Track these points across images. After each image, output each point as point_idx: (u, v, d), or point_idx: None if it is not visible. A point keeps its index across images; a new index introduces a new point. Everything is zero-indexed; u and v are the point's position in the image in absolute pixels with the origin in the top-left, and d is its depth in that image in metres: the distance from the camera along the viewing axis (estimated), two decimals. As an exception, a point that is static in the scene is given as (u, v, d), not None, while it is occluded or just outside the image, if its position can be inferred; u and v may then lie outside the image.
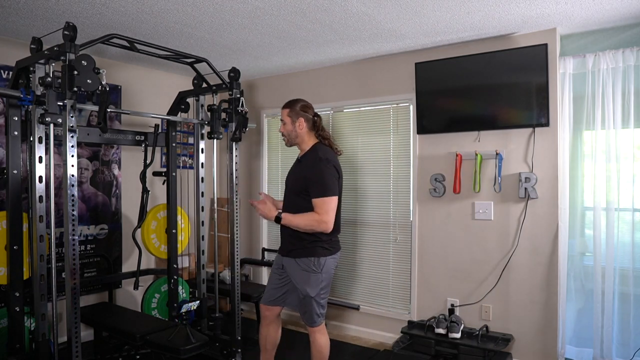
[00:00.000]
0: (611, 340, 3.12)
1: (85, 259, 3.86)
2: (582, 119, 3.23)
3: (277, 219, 2.58)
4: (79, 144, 2.88)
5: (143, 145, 3.47)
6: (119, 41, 2.76)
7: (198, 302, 2.99)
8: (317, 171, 2.56)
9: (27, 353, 2.77)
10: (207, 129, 3.52)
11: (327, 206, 2.53)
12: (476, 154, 3.43)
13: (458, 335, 3.31)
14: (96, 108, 2.66)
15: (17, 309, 2.71)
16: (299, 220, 2.56)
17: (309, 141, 2.74)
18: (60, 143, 2.52)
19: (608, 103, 3.09)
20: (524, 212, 3.32)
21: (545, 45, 3.14)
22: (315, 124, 2.73)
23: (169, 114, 3.54)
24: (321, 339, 2.71)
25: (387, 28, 3.21)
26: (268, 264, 4.59)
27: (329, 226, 2.53)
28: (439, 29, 3.22)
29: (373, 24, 3.12)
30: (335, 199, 2.57)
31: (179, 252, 3.76)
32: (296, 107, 2.73)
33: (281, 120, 2.78)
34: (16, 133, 2.70)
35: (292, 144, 2.79)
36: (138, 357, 3.34)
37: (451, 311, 3.53)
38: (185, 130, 4.62)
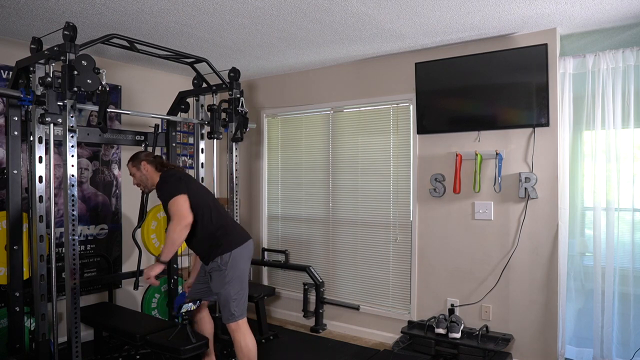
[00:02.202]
0: (611, 340, 3.12)
1: (85, 259, 3.86)
2: (582, 119, 3.23)
3: (158, 259, 2.73)
4: (79, 144, 2.88)
5: (143, 145, 3.47)
6: (119, 41, 2.77)
7: (198, 302, 2.99)
8: (159, 186, 2.79)
9: (27, 353, 2.77)
10: (207, 129, 3.52)
11: (176, 204, 2.66)
12: (476, 154, 3.43)
13: (458, 335, 3.31)
14: (96, 108, 2.66)
15: (17, 309, 2.71)
16: (169, 240, 2.68)
17: (156, 178, 2.90)
18: (60, 143, 2.52)
19: (608, 103, 3.09)
20: (524, 212, 3.32)
21: (545, 45, 3.14)
22: (158, 163, 2.95)
23: (169, 114, 3.54)
24: (241, 339, 2.76)
25: (387, 28, 3.21)
26: (268, 264, 4.59)
27: (184, 216, 2.64)
28: (439, 29, 3.22)
29: (373, 24, 3.12)
30: (181, 196, 2.67)
31: (179, 252, 3.76)
32: (140, 156, 2.96)
33: (130, 174, 2.98)
34: (16, 133, 2.70)
35: (149, 187, 2.95)
36: (138, 357, 3.34)
37: (451, 311, 3.53)
38: (185, 130, 4.62)
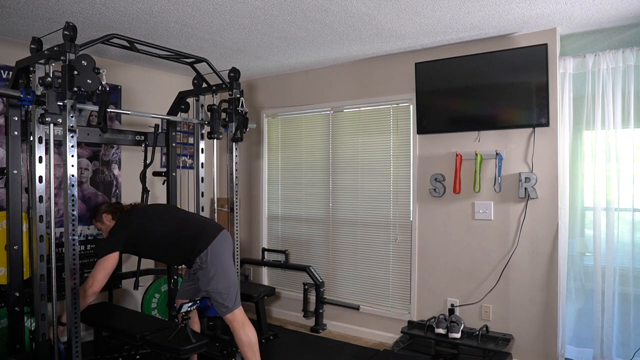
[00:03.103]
0: (611, 340, 3.12)
1: (85, 259, 3.86)
2: (582, 119, 3.23)
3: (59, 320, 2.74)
4: (79, 144, 2.87)
5: (143, 145, 3.47)
6: (119, 41, 2.76)
7: (198, 302, 2.99)
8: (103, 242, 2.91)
9: (27, 353, 2.76)
10: (207, 129, 3.52)
11: (101, 265, 2.76)
12: (476, 154, 3.43)
13: (458, 335, 3.31)
14: (96, 108, 2.65)
15: (17, 309, 2.71)
16: (80, 297, 2.66)
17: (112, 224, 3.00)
18: (60, 143, 2.51)
19: (608, 103, 3.09)
20: (524, 212, 3.32)
21: (545, 45, 3.14)
22: (114, 210, 3.04)
23: (169, 114, 3.54)
24: (240, 330, 2.80)
25: (387, 28, 3.21)
26: (268, 264, 4.59)
27: (94, 284, 2.74)
28: (439, 29, 3.22)
29: (373, 24, 3.12)
30: (110, 256, 2.77)
31: (179, 252, 3.75)
32: (100, 208, 3.07)
33: (97, 230, 3.13)
34: (16, 133, 2.69)
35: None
36: (138, 357, 3.34)
37: (451, 311, 3.53)
38: (185, 130, 4.62)
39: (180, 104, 3.53)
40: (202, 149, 3.56)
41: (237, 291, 2.87)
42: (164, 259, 3.17)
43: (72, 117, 2.40)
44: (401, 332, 3.62)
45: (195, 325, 3.12)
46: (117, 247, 2.79)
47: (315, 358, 3.63)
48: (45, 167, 2.65)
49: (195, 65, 3.22)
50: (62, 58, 2.35)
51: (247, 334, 2.81)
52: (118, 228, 2.88)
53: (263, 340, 3.84)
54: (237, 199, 3.43)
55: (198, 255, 2.80)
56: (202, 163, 3.56)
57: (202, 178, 3.57)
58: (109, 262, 2.76)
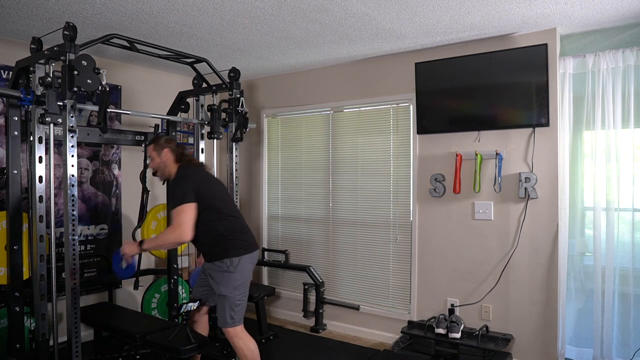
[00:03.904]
0: (611, 340, 3.12)
1: (85, 259, 3.86)
2: (582, 119, 3.23)
3: (141, 243, 2.73)
4: (79, 144, 2.87)
5: (143, 145, 3.47)
6: (119, 41, 2.77)
7: (198, 302, 2.99)
8: (174, 186, 2.75)
9: (27, 353, 2.77)
10: (207, 129, 3.52)
11: (181, 215, 2.60)
12: (476, 154, 3.43)
13: (458, 335, 3.31)
14: (96, 108, 2.66)
15: (17, 309, 2.71)
16: (160, 240, 2.71)
17: (174, 169, 2.84)
18: (60, 143, 2.51)
19: (608, 103, 3.09)
20: (524, 212, 3.32)
21: (545, 45, 3.14)
22: (178, 153, 2.87)
23: (169, 114, 3.54)
24: (240, 343, 2.72)
25: (387, 28, 3.21)
26: (268, 264, 4.59)
27: (184, 229, 2.58)
28: (439, 29, 3.22)
29: (373, 24, 3.12)
30: (189, 205, 2.61)
31: (179, 252, 3.75)
32: (160, 141, 2.87)
33: (149, 157, 2.90)
34: (16, 133, 2.70)
35: (165, 175, 2.86)
36: (138, 357, 3.34)
37: (451, 311, 3.53)
38: (185, 130, 4.62)
39: (180, 104, 3.53)
40: (202, 149, 3.56)
41: (245, 309, 2.79)
42: (197, 238, 2.73)
43: (72, 117, 2.41)
44: (401, 332, 3.62)
45: (204, 328, 3.03)
46: (191, 199, 2.62)
47: (315, 358, 3.63)
48: (45, 167, 2.65)
49: (195, 65, 3.23)
50: (62, 58, 2.35)
51: (249, 347, 2.73)
52: (187, 182, 2.69)
53: (263, 341, 3.83)
54: (237, 198, 3.44)
55: (230, 257, 2.69)
56: (202, 163, 3.56)
57: (202, 178, 3.57)
58: (190, 210, 2.60)
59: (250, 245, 2.79)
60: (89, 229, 3.91)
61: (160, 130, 3.50)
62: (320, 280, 4.20)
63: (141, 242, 2.73)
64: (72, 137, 2.42)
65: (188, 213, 2.60)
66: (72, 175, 2.43)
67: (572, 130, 3.28)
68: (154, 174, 2.93)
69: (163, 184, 3.61)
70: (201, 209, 2.66)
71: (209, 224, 2.69)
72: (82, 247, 3.86)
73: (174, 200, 2.67)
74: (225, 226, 2.73)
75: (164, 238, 2.68)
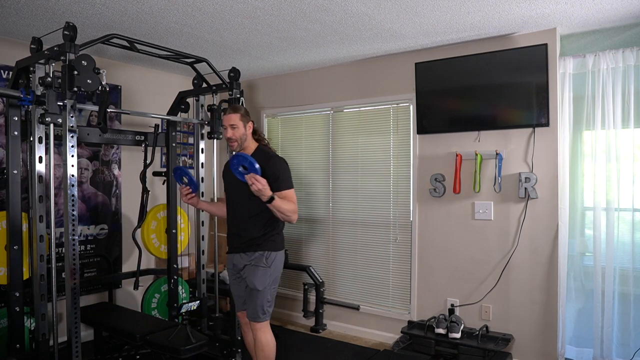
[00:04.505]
0: (611, 340, 3.12)
1: (85, 259, 3.86)
2: (582, 119, 3.23)
3: (271, 199, 2.52)
4: (79, 144, 2.88)
5: (143, 145, 3.47)
6: (119, 41, 2.76)
7: (198, 302, 2.99)
8: (278, 167, 2.65)
9: (27, 353, 2.77)
10: (207, 129, 3.52)
11: (294, 198, 2.66)
12: (476, 154, 3.43)
13: (458, 335, 3.31)
14: (96, 108, 2.66)
15: (17, 309, 2.71)
16: (286, 205, 2.58)
17: (252, 144, 2.75)
18: (60, 143, 2.52)
19: (608, 103, 3.09)
20: (524, 212, 3.32)
21: (545, 45, 3.14)
22: (256, 132, 2.80)
23: (169, 114, 3.54)
24: (264, 337, 2.70)
25: (387, 28, 3.21)
26: (268, 264, 4.58)
27: (294, 213, 2.64)
28: (439, 29, 3.22)
29: (373, 24, 3.12)
30: (293, 191, 2.67)
31: (179, 252, 3.76)
32: (243, 111, 2.73)
33: (231, 125, 2.67)
34: (16, 133, 2.70)
35: (239, 147, 2.71)
36: (138, 357, 3.34)
37: (451, 311, 3.53)
38: (185, 130, 4.62)
39: (180, 104, 3.53)
40: (202, 149, 3.56)
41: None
42: (246, 218, 2.68)
43: (72, 117, 2.41)
44: (401, 332, 3.62)
45: (249, 334, 2.90)
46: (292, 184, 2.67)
47: (315, 358, 3.63)
48: (45, 167, 2.65)
49: (195, 65, 3.23)
50: (62, 58, 2.35)
51: (268, 341, 2.70)
52: (287, 166, 2.71)
53: (263, 340, 3.83)
54: (237, 199, 3.43)
55: (270, 250, 2.66)
56: (202, 163, 3.56)
57: (202, 178, 3.58)
58: (294, 196, 2.66)
59: (283, 243, 2.81)
60: (89, 229, 3.91)
61: (160, 130, 3.50)
62: (320, 280, 4.20)
63: (273, 197, 2.53)
64: (72, 137, 2.42)
65: (294, 195, 2.66)
66: (72, 175, 2.43)
67: (572, 130, 3.28)
68: (230, 143, 2.70)
69: (163, 184, 3.62)
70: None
71: (272, 213, 2.63)
72: (82, 247, 3.86)
73: (285, 181, 2.63)
74: (278, 219, 2.68)
75: (288, 207, 2.58)
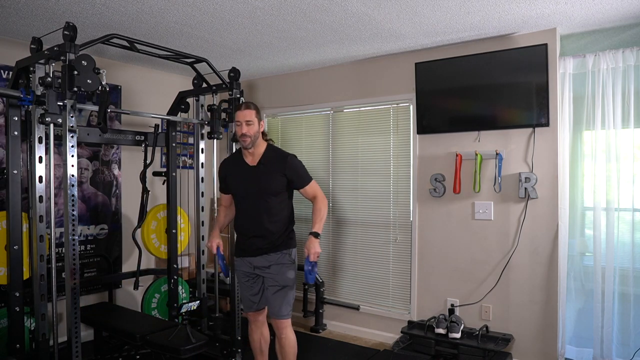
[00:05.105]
0: (611, 340, 3.12)
1: (85, 259, 3.86)
2: (582, 119, 3.23)
3: (318, 235, 2.65)
4: (79, 144, 2.88)
5: (143, 145, 3.47)
6: (119, 41, 2.76)
7: (198, 302, 2.99)
8: (297, 165, 2.72)
9: (27, 353, 2.77)
10: (207, 129, 3.52)
11: (317, 186, 2.76)
12: (476, 154, 3.43)
13: (458, 335, 3.31)
14: (96, 108, 2.66)
15: (17, 309, 2.71)
16: (323, 215, 2.69)
17: (262, 143, 2.76)
18: (60, 143, 2.51)
19: (608, 103, 3.09)
20: (524, 212, 3.32)
21: (545, 45, 3.14)
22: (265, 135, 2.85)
23: (169, 114, 3.54)
24: (291, 333, 2.74)
25: (387, 28, 3.21)
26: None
27: (326, 200, 2.76)
28: (439, 29, 3.22)
29: (373, 24, 3.12)
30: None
31: (179, 252, 3.76)
32: (257, 108, 2.76)
33: (247, 122, 2.64)
34: (16, 133, 2.70)
35: (251, 144, 2.67)
36: (138, 357, 3.34)
37: (451, 311, 3.53)
38: (185, 130, 4.62)
39: (180, 104, 3.53)
40: (202, 149, 3.56)
41: None
42: (266, 218, 2.68)
43: (72, 117, 2.40)
44: (401, 332, 3.62)
45: (267, 329, 2.92)
46: None
47: (315, 358, 3.63)
48: (45, 167, 2.65)
49: (195, 65, 3.22)
50: (62, 58, 2.35)
51: (293, 338, 2.75)
52: (298, 160, 2.74)
53: (263, 340, 3.84)
54: (237, 199, 3.43)
55: (293, 247, 2.74)
56: (202, 163, 3.56)
57: (202, 178, 3.58)
58: (317, 185, 2.76)
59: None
60: (89, 229, 3.91)
61: (160, 130, 3.50)
62: (320, 280, 4.20)
63: (316, 234, 2.64)
64: (72, 137, 2.42)
65: (318, 187, 2.75)
66: (72, 175, 2.43)
67: (572, 130, 3.28)
68: (244, 139, 2.65)
69: (163, 183, 3.62)
70: (289, 194, 2.75)
71: (290, 210, 2.75)
72: (82, 247, 3.86)
73: (305, 176, 2.71)
74: (292, 214, 2.77)
75: (325, 211, 2.69)
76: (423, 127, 3.69)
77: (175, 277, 3.64)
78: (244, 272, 2.80)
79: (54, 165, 2.57)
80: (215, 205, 3.69)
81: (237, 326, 3.24)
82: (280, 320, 2.69)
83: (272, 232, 2.69)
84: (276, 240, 2.70)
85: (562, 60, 3.24)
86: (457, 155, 3.50)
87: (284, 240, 2.72)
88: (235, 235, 2.88)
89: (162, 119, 3.48)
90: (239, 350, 3.26)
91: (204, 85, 3.43)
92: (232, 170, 2.81)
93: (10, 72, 3.20)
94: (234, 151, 3.41)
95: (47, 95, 2.48)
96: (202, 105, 3.52)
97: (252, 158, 2.74)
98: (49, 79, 2.45)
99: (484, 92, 3.39)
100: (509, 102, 3.30)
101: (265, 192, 2.66)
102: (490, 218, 3.46)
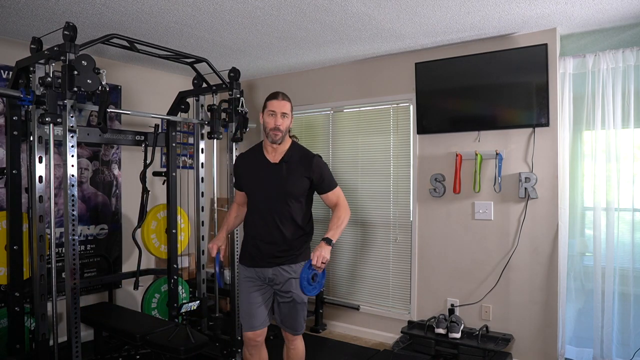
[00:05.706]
0: (611, 340, 3.12)
1: (85, 259, 3.86)
2: (582, 119, 3.23)
3: (330, 242, 2.27)
4: (79, 144, 2.88)
5: (143, 145, 3.47)
6: (119, 41, 2.76)
7: (198, 302, 2.99)
8: (322, 167, 2.44)
9: (27, 353, 2.77)
10: (207, 129, 3.52)
11: (342, 194, 2.49)
12: (476, 154, 3.43)
13: (458, 335, 3.31)
14: (96, 108, 2.66)
15: (17, 309, 2.71)
16: (342, 224, 2.38)
17: (287, 139, 2.49)
18: (60, 143, 2.52)
19: (608, 103, 3.09)
20: (524, 212, 3.32)
21: (545, 45, 3.14)
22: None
23: (169, 114, 3.54)
24: (302, 344, 2.57)
25: (387, 28, 3.21)
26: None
27: (349, 210, 2.47)
28: (439, 29, 3.22)
29: (373, 24, 3.12)
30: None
31: (179, 252, 3.76)
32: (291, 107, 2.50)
33: (283, 113, 2.37)
34: (16, 133, 2.70)
35: (280, 139, 2.40)
36: (138, 357, 3.34)
37: (451, 311, 3.53)
38: (185, 130, 4.62)
39: (180, 104, 3.53)
40: (202, 149, 3.56)
41: None
42: (285, 227, 2.41)
43: (72, 117, 2.41)
44: (401, 332, 3.62)
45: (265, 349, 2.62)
46: None
47: (315, 358, 3.63)
48: (45, 167, 2.66)
49: (195, 65, 3.23)
50: (62, 58, 2.35)
51: (303, 349, 2.58)
52: (324, 162, 2.48)
53: (263, 340, 3.84)
54: (237, 199, 3.43)
55: (307, 259, 2.33)
56: (202, 163, 3.56)
57: (202, 178, 3.58)
58: (341, 192, 2.49)
59: None
60: (89, 229, 3.91)
61: (160, 130, 3.50)
62: (320, 280, 4.20)
63: (329, 240, 2.28)
64: (72, 137, 2.42)
65: (342, 193, 2.49)
66: (72, 175, 2.43)
67: (572, 130, 3.28)
68: (275, 133, 2.37)
69: (163, 183, 3.62)
70: (310, 198, 2.48)
71: (310, 217, 2.48)
72: (82, 247, 3.86)
73: (331, 180, 2.44)
74: (311, 221, 2.51)
75: (346, 221, 2.38)
76: (423, 127, 3.69)
77: (175, 277, 3.64)
78: (249, 278, 2.48)
79: (54, 165, 2.57)
80: (216, 205, 3.70)
81: (237, 326, 3.24)
82: (292, 335, 2.51)
83: (290, 240, 2.40)
84: (295, 251, 2.41)
85: (562, 60, 3.24)
86: (457, 155, 3.50)
87: (304, 251, 2.44)
88: (242, 239, 2.60)
89: (162, 119, 3.48)
90: (239, 350, 3.26)
91: (204, 85, 3.43)
92: (250, 167, 2.50)
93: (10, 72, 3.20)
94: (235, 149, 3.42)
95: (47, 95, 2.48)
96: (202, 105, 3.52)
97: (275, 155, 2.43)
98: (49, 79, 2.45)
99: (484, 92, 3.39)
100: (509, 102, 3.30)
101: (287, 194, 2.37)
102: (490, 218, 3.46)
